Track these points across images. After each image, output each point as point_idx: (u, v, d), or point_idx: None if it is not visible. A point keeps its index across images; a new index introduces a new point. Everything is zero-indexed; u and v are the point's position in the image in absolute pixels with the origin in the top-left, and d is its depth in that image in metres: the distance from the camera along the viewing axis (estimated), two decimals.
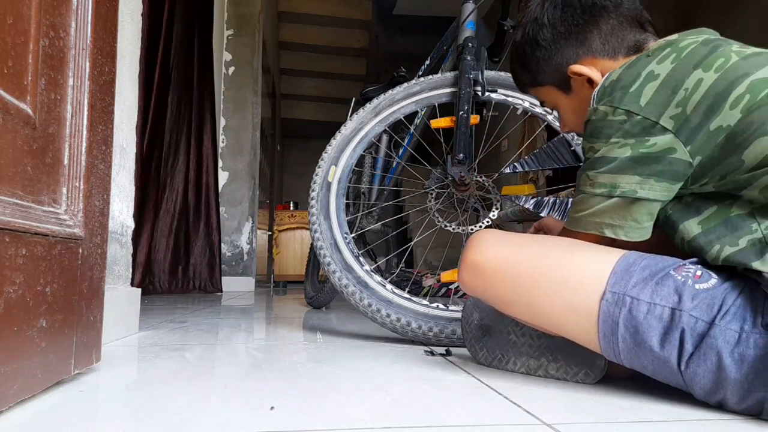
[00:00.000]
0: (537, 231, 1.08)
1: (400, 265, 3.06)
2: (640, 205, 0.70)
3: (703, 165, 0.66)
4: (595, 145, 0.72)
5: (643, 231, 0.72)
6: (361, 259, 1.25)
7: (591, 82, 0.81)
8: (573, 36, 0.82)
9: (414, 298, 1.20)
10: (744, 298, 0.62)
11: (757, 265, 0.62)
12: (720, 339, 0.61)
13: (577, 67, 0.81)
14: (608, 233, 0.73)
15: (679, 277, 0.66)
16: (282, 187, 8.31)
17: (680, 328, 0.63)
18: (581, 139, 0.81)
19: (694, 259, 0.69)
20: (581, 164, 1.28)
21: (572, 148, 1.33)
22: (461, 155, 1.28)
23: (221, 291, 3.21)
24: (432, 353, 1.06)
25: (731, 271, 0.66)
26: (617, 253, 0.72)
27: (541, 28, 0.84)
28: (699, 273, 0.66)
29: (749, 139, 0.62)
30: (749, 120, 0.62)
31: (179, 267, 3.03)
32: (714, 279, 0.65)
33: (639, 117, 0.68)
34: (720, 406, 0.65)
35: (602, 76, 0.79)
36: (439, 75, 1.43)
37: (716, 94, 0.64)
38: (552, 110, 0.91)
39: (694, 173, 0.67)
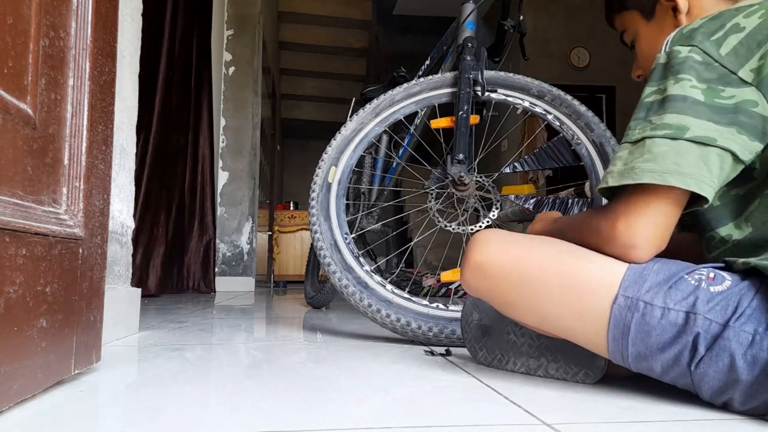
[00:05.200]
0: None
1: (400, 266, 3.06)
2: (714, 153, 0.62)
3: None
4: (660, 87, 0.67)
5: (713, 188, 0.63)
6: (361, 259, 1.25)
7: (676, 10, 0.79)
8: None
9: (414, 298, 1.20)
10: (759, 300, 0.61)
11: (754, 261, 0.62)
12: (734, 341, 0.60)
13: None
14: (674, 182, 0.62)
15: (693, 281, 0.65)
16: (282, 187, 8.31)
17: (695, 332, 0.62)
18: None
19: (706, 264, 0.68)
20: (581, 164, 1.29)
21: (572, 148, 1.33)
22: (461, 155, 1.28)
23: (214, 291, 3.21)
24: (432, 353, 1.06)
25: (746, 273, 0.65)
26: None
27: None
28: (712, 275, 0.65)
29: None
30: None
31: (174, 267, 3.03)
32: (728, 281, 0.64)
33: (717, 64, 0.65)
34: (725, 407, 0.64)
35: (688, 7, 0.78)
36: (439, 75, 1.43)
37: None
38: (630, 46, 0.91)
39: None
